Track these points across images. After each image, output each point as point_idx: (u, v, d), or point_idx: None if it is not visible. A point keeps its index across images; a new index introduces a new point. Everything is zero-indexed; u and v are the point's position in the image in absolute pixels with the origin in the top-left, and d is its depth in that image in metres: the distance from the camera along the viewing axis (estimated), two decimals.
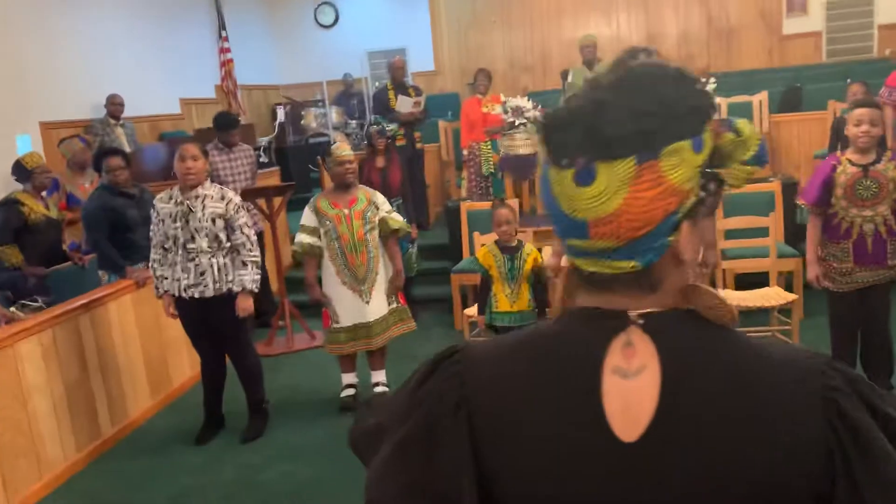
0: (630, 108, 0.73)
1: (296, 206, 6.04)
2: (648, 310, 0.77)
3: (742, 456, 0.72)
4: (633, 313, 0.77)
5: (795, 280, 4.98)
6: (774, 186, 5.27)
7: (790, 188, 5.57)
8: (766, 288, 4.58)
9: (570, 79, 6.54)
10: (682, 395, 0.74)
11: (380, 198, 4.15)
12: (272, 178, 6.98)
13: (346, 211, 4.02)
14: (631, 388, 0.75)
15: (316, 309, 6.10)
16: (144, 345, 4.58)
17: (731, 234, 4.83)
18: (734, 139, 0.79)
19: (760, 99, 7.58)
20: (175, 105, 8.81)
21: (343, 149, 4.10)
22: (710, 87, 5.69)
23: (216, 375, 4.06)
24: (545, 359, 0.79)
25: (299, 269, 6.11)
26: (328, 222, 4.03)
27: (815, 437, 0.72)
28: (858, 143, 3.35)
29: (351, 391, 4.31)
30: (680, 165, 0.73)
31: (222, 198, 3.81)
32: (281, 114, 9.01)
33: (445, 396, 0.81)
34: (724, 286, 4.92)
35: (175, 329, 4.86)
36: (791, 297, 4.27)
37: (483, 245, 4.03)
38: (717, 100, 5.85)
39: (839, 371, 0.76)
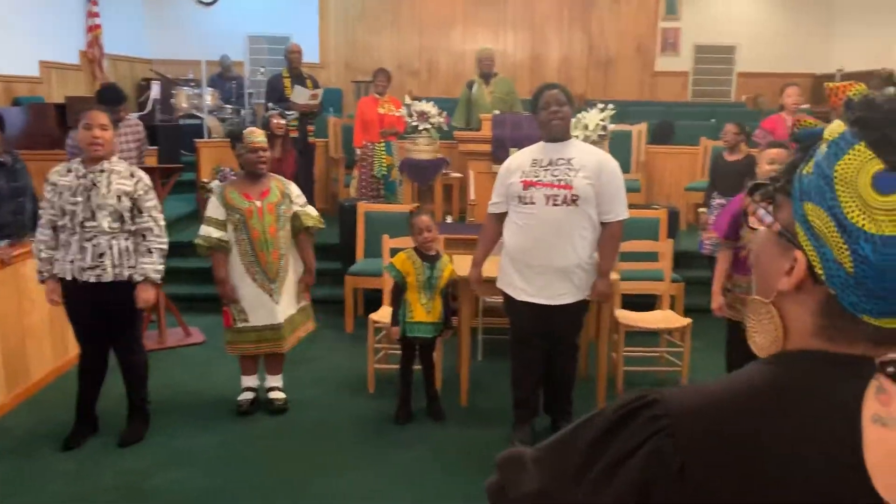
0: None
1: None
2: (892, 356, 0.70)
3: None
4: (879, 360, 0.70)
5: (678, 304, 5.26)
6: (661, 214, 5.54)
7: (674, 216, 5.89)
8: (659, 311, 4.79)
9: (473, 90, 6.56)
10: None
11: (294, 189, 3.93)
12: (150, 158, 6.46)
13: (259, 203, 3.76)
14: (892, 439, 0.67)
15: (191, 303, 5.77)
16: (2, 331, 4.05)
17: (625, 257, 5.01)
18: None
19: (640, 129, 7.97)
20: (34, 67, 7.97)
21: (255, 134, 3.83)
22: (608, 113, 5.92)
23: (97, 371, 3.65)
24: (788, 410, 0.69)
25: (177, 258, 5.70)
26: (238, 215, 3.74)
27: None
28: None
29: (250, 395, 4.04)
30: None
31: (131, 175, 3.44)
32: (155, 90, 8.39)
33: (663, 456, 0.69)
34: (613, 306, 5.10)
35: (38, 315, 4.36)
36: (685, 321, 4.48)
37: (402, 251, 3.91)
38: (610, 126, 6.08)
39: None
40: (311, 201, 6.86)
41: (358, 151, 6.96)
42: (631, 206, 6.26)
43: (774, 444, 0.67)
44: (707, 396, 0.73)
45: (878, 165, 0.66)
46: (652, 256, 5.00)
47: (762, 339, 0.78)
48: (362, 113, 6.96)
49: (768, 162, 3.57)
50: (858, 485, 0.66)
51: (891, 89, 0.71)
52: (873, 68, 9.12)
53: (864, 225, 0.67)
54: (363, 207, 5.58)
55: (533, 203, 3.33)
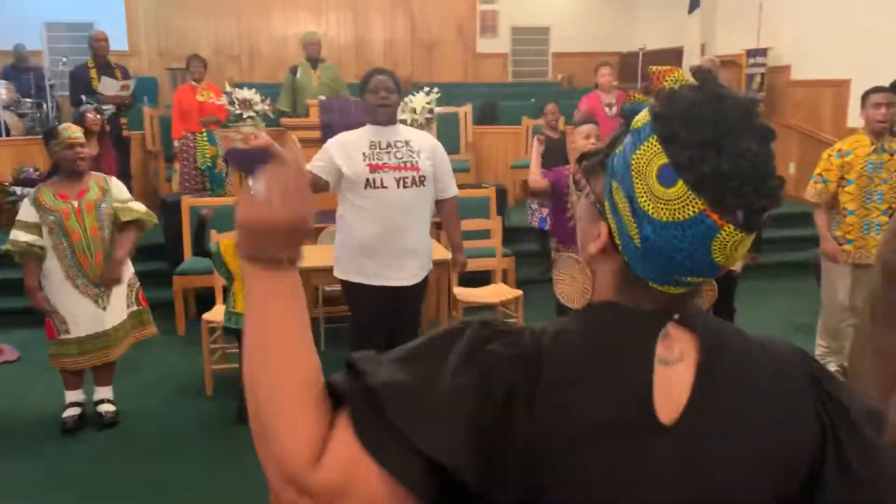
0: (771, 150, 0.77)
1: None
2: (681, 309, 0.84)
3: (767, 443, 0.80)
4: (671, 311, 0.83)
5: (510, 277, 5.48)
6: (490, 192, 5.73)
7: (502, 194, 6.12)
8: (493, 285, 4.97)
9: (298, 75, 6.42)
10: (713, 381, 0.80)
11: (115, 184, 3.68)
12: None
13: (76, 203, 3.48)
14: (671, 375, 0.80)
15: (1, 317, 5.26)
16: None
17: None
18: None
19: (465, 111, 8.17)
20: None
21: (72, 130, 3.54)
22: (433, 97, 6.02)
23: None
24: (595, 353, 0.80)
25: None
26: (53, 217, 3.45)
27: (811, 412, 0.84)
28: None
29: (76, 410, 3.74)
30: None
31: None
32: None
33: (524, 356, 0.79)
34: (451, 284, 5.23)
35: None
36: (517, 292, 4.68)
37: (228, 239, 3.77)
38: (437, 109, 6.18)
39: (810, 357, 0.90)
40: None
41: (177, 143, 6.61)
42: (462, 186, 6.43)
43: (583, 381, 0.79)
44: (539, 335, 0.83)
45: (664, 159, 0.75)
46: (484, 234, 5.17)
47: (566, 287, 0.88)
48: (179, 102, 6.62)
49: (584, 137, 3.78)
50: (644, 413, 0.78)
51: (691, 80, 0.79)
52: (671, 46, 9.91)
53: (648, 210, 0.77)
54: (188, 202, 5.32)
55: (384, 187, 3.33)
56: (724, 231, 0.75)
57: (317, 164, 3.40)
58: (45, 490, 3.22)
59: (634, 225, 0.78)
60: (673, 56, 9.82)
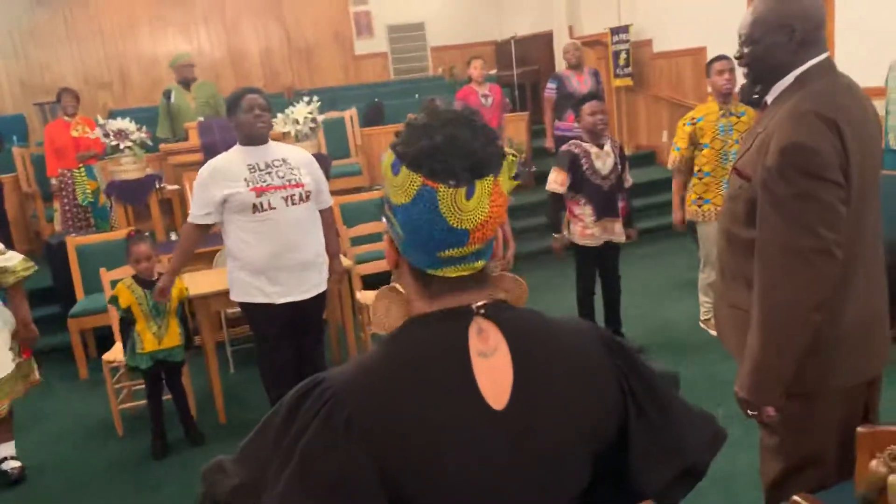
0: (483, 139, 0.91)
1: None
2: (483, 302, 0.95)
3: (579, 406, 0.95)
4: (474, 306, 0.94)
5: None
6: (383, 193, 5.81)
7: None
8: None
9: (173, 99, 6.29)
10: (530, 366, 0.94)
11: None
12: None
13: None
14: (492, 365, 0.92)
15: None
16: None
17: (356, 241, 5.20)
18: (511, 160, 1.00)
19: (351, 114, 8.20)
20: None
21: None
22: (314, 105, 6.04)
23: None
24: (421, 362, 0.92)
25: None
26: None
27: (611, 377, 0.99)
28: None
29: None
30: (505, 181, 0.94)
31: None
32: None
33: (331, 419, 0.88)
34: (354, 289, 5.30)
35: None
36: None
37: (120, 281, 3.72)
38: (319, 117, 6.20)
39: (600, 328, 1.06)
40: (10, 245, 6.19)
41: (55, 181, 6.38)
42: (355, 190, 6.49)
43: (411, 395, 0.89)
44: (360, 367, 0.94)
45: (393, 157, 0.93)
46: (381, 236, 5.25)
47: (391, 317, 0.99)
48: (52, 140, 6.38)
49: None
50: (476, 404, 0.90)
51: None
52: (541, 31, 10.23)
53: (394, 200, 0.93)
54: (73, 242, 5.16)
55: (272, 208, 3.36)
56: (441, 192, 0.89)
57: (207, 214, 3.38)
58: None
59: (394, 217, 0.93)
60: (543, 40, 10.15)
